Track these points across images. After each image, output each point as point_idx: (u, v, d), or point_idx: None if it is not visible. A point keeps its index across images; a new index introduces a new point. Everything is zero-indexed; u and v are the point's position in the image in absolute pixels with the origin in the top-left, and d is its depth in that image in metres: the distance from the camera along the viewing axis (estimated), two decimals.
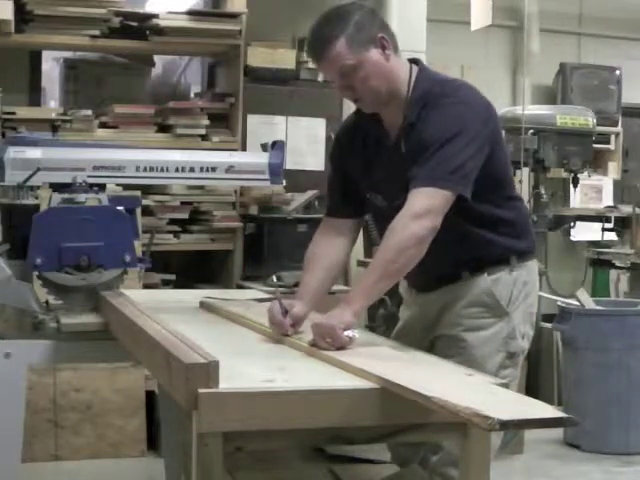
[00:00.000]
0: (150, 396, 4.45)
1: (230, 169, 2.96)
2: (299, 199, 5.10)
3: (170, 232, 4.89)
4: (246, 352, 2.24)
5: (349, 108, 5.54)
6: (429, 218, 2.29)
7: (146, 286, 4.23)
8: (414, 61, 2.54)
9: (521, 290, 2.56)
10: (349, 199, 2.65)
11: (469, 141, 2.36)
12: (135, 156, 2.92)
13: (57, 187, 2.82)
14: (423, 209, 2.29)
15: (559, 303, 4.95)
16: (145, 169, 2.89)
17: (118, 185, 3.43)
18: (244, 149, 4.98)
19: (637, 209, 5.87)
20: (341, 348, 2.17)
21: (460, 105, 2.41)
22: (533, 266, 2.63)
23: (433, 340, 2.59)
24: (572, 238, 6.54)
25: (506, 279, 2.54)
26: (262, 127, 5.18)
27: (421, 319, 2.64)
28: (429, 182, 2.31)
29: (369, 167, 2.56)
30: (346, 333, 2.19)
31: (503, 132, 4.93)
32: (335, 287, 2.83)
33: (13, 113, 4.63)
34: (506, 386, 1.91)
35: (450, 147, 2.34)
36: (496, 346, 2.51)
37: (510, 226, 2.56)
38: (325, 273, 2.56)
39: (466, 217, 2.44)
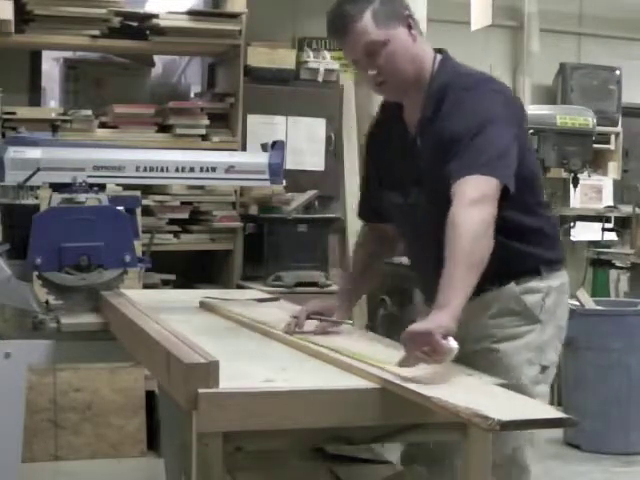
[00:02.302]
0: (150, 396, 4.45)
1: (230, 169, 2.96)
2: (299, 199, 5.09)
3: (170, 232, 4.89)
4: (246, 352, 2.24)
5: (349, 108, 5.56)
6: (488, 202, 2.07)
7: (146, 286, 4.23)
8: (439, 51, 2.37)
9: (552, 300, 2.38)
10: (377, 204, 2.52)
11: (502, 128, 2.18)
12: (135, 156, 2.92)
13: (57, 187, 2.82)
14: (478, 194, 2.07)
15: None
16: (145, 169, 2.89)
17: (118, 185, 3.43)
18: (244, 149, 4.97)
19: (637, 209, 5.87)
20: (438, 360, 1.88)
21: (494, 94, 2.24)
22: (563, 277, 2.44)
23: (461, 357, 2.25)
24: (572, 238, 6.53)
25: (536, 287, 2.36)
26: (262, 127, 5.17)
27: None
28: (473, 170, 2.11)
29: (391, 163, 2.43)
30: (445, 342, 1.87)
31: None
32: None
33: (13, 113, 4.64)
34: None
35: (485, 135, 2.15)
36: (530, 356, 2.34)
37: (539, 235, 2.39)
38: (359, 277, 2.56)
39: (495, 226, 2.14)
